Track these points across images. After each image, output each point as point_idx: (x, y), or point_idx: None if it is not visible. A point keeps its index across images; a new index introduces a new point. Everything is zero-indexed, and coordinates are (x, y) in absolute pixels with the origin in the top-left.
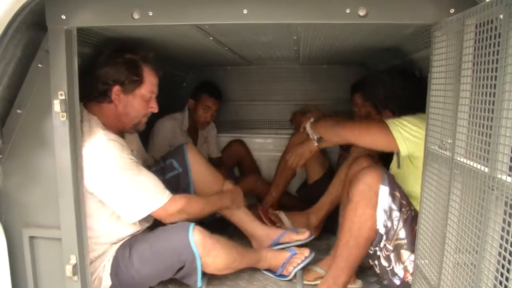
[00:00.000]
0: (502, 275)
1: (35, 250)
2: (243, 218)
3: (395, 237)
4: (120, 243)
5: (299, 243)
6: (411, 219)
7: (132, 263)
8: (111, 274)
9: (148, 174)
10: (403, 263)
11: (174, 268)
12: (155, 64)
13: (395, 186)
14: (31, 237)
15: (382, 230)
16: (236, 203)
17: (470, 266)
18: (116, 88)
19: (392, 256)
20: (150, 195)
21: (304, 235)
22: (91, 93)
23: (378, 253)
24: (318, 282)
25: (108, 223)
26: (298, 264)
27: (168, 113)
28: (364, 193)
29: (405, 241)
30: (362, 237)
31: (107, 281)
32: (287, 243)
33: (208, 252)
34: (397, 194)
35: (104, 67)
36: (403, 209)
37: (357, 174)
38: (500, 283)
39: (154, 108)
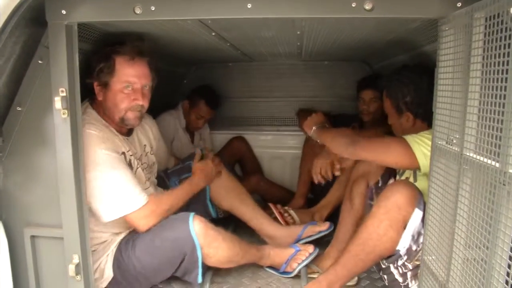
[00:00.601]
0: None
1: (37, 250)
2: (263, 222)
3: (416, 257)
4: (123, 235)
5: (322, 234)
6: None
7: (134, 252)
8: (113, 265)
9: (123, 174)
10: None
11: (176, 258)
12: (137, 53)
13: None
14: (33, 237)
15: (402, 252)
16: (208, 178)
17: (480, 262)
18: (96, 83)
19: (409, 274)
20: (121, 197)
21: (326, 226)
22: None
23: (392, 269)
24: (313, 275)
25: None
26: (303, 261)
27: (166, 110)
28: (390, 213)
29: None
30: (374, 254)
31: (109, 273)
32: (309, 236)
33: (209, 243)
34: None
35: (88, 62)
36: None
37: (388, 187)
38: None
39: (138, 100)
